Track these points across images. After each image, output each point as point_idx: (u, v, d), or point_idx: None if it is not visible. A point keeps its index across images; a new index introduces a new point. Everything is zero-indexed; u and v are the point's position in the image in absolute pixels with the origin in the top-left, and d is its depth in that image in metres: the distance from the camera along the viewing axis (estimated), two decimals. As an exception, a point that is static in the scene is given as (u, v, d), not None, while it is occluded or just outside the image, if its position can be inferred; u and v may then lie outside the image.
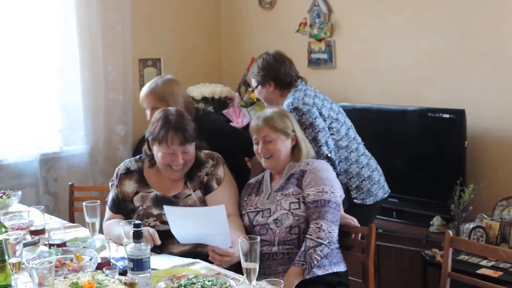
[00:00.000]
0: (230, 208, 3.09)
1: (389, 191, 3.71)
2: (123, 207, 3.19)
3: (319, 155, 3.35)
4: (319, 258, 2.82)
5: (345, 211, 3.16)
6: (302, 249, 2.84)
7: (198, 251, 2.96)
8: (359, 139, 3.64)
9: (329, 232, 2.86)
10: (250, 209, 3.11)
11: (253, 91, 3.71)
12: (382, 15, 4.79)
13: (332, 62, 5.12)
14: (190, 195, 3.13)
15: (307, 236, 2.86)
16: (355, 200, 3.53)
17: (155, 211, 3.10)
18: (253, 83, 3.64)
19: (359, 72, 4.98)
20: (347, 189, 3.50)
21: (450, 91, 4.42)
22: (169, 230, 2.95)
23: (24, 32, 4.75)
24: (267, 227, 2.99)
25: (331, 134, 3.48)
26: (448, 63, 4.43)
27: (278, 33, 5.44)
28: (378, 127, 4.48)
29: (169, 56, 5.63)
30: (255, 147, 3.14)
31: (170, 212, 2.91)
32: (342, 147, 3.53)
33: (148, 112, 3.56)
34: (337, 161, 3.47)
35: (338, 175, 3.46)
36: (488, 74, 4.24)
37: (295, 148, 3.15)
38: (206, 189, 3.14)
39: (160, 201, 3.10)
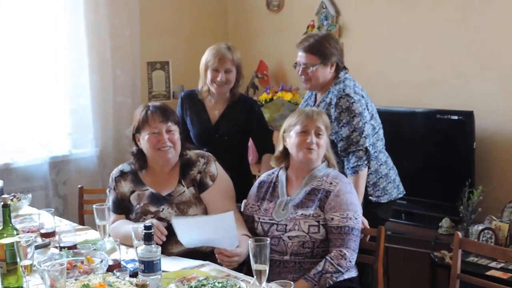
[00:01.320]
0: (227, 204, 3.12)
1: (404, 192, 3.71)
2: (123, 207, 3.22)
3: (358, 145, 3.34)
4: (331, 283, 2.83)
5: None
6: (320, 269, 2.83)
7: (196, 249, 2.95)
8: (383, 138, 3.64)
9: (350, 261, 2.87)
10: (264, 219, 3.07)
11: (307, 66, 3.46)
12: (390, 17, 4.79)
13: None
14: (184, 192, 3.15)
15: (328, 259, 2.85)
16: (370, 197, 3.50)
17: (153, 208, 3.13)
18: (311, 59, 3.45)
19: (367, 74, 4.96)
20: (357, 200, 3.49)
21: (458, 93, 4.42)
22: (166, 228, 2.95)
23: (33, 36, 4.78)
24: (280, 239, 2.98)
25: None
26: (457, 64, 4.43)
27: (286, 35, 5.44)
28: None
29: (178, 59, 5.65)
30: (299, 138, 3.03)
31: (178, 224, 2.90)
32: (371, 144, 3.52)
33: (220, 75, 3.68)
34: None
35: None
36: (497, 76, 4.24)
37: (325, 156, 3.12)
38: (201, 186, 3.16)
39: (156, 198, 3.14)
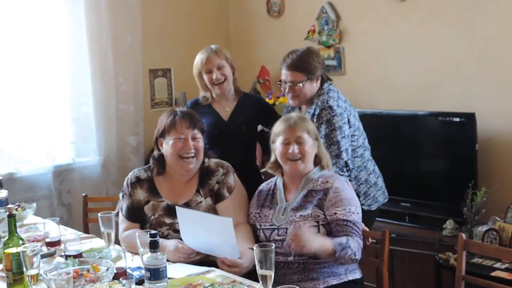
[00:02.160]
0: (240, 216, 3.12)
1: (388, 196, 3.73)
2: (138, 216, 3.20)
3: (338, 158, 3.37)
4: (347, 258, 2.79)
5: None
6: (344, 241, 2.78)
7: (210, 260, 2.95)
8: (369, 147, 3.66)
9: (357, 252, 2.85)
10: (265, 225, 3.07)
11: (294, 84, 3.47)
12: (391, 20, 4.80)
13: (342, 68, 5.14)
14: (201, 202, 3.14)
15: (350, 239, 2.82)
16: (363, 207, 3.53)
17: (168, 220, 3.11)
18: (297, 76, 3.46)
19: (368, 78, 4.99)
20: (356, 196, 3.51)
21: (460, 95, 4.42)
22: (179, 236, 2.98)
23: (35, 45, 4.79)
24: (283, 242, 2.98)
25: (352, 142, 3.49)
26: (458, 67, 4.44)
27: (287, 41, 5.45)
28: (389, 132, 4.49)
29: (180, 66, 5.65)
30: (282, 149, 3.05)
31: (181, 214, 2.93)
32: (358, 155, 3.55)
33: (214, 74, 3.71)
34: (351, 169, 3.49)
35: (349, 181, 3.48)
36: (498, 78, 4.25)
37: (318, 156, 3.11)
38: (217, 197, 3.16)
39: (171, 210, 3.10)
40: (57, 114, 4.97)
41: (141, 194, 3.20)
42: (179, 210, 2.94)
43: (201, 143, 3.16)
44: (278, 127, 3.12)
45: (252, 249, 2.90)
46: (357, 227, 2.91)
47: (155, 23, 5.53)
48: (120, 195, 3.32)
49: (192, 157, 3.12)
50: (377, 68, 4.94)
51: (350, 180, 3.47)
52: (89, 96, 5.06)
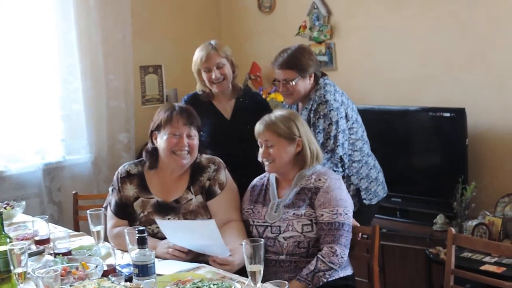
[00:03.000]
0: (232, 213, 3.11)
1: (387, 190, 3.74)
2: (126, 213, 3.17)
3: (334, 153, 3.36)
4: (325, 280, 2.84)
5: (354, 212, 3.13)
6: (312, 268, 2.84)
7: (200, 260, 2.92)
8: (368, 141, 3.66)
9: (342, 257, 2.87)
10: (258, 222, 3.07)
11: (287, 82, 3.48)
12: (381, 16, 4.81)
13: (333, 64, 5.14)
14: (191, 199, 3.12)
15: (320, 257, 2.85)
16: (364, 201, 3.55)
17: (158, 218, 3.07)
18: (289, 74, 3.47)
19: (359, 73, 4.99)
20: (357, 190, 3.53)
21: (450, 90, 4.43)
22: None
23: (24, 43, 4.78)
24: (275, 240, 2.98)
25: (350, 135, 3.50)
26: (448, 62, 4.44)
27: (278, 36, 5.45)
28: (380, 128, 4.48)
29: (170, 62, 5.65)
30: (260, 150, 3.10)
31: (164, 226, 2.92)
32: (357, 149, 3.55)
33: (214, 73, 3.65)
34: (349, 162, 3.50)
35: (350, 176, 3.48)
36: (488, 73, 4.25)
37: (301, 154, 3.06)
38: (208, 194, 3.13)
39: (161, 207, 3.09)
40: (47, 112, 4.95)
41: (130, 190, 3.17)
42: (161, 223, 2.93)
43: (196, 141, 3.12)
44: (255, 129, 3.12)
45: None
46: (344, 229, 2.91)
47: (146, 20, 5.51)
48: (110, 189, 3.29)
49: (187, 152, 3.09)
50: (368, 64, 4.94)
51: (351, 175, 3.49)
52: (79, 93, 5.04)
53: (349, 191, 3.39)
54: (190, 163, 3.15)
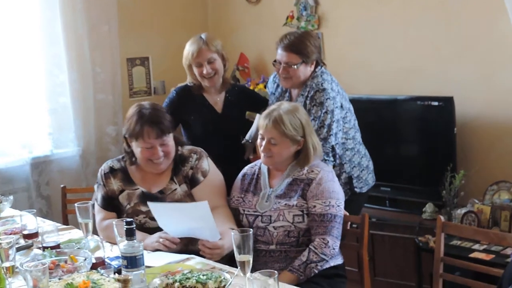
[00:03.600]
0: (217, 199, 3.11)
1: (375, 179, 3.75)
2: (113, 206, 3.18)
3: (326, 141, 3.35)
4: (316, 271, 2.84)
5: (345, 201, 3.13)
6: (304, 259, 2.84)
7: (189, 249, 2.95)
8: (359, 129, 3.66)
9: (333, 249, 2.88)
10: (249, 211, 3.07)
11: (289, 65, 3.42)
12: (369, 5, 4.80)
13: (320, 53, 5.11)
14: (175, 189, 3.12)
15: (312, 248, 2.86)
16: (355, 189, 3.55)
17: (144, 208, 3.08)
18: (293, 58, 3.42)
19: (347, 63, 4.98)
20: (349, 178, 3.53)
21: (438, 79, 4.44)
22: (158, 227, 2.97)
23: (9, 35, 4.73)
24: (265, 230, 2.98)
25: (344, 123, 3.49)
26: (436, 51, 4.45)
27: (265, 27, 5.43)
28: (369, 117, 4.47)
29: (158, 54, 5.62)
30: (259, 140, 3.07)
31: (155, 208, 2.92)
32: (350, 137, 3.54)
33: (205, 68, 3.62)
34: (343, 151, 3.49)
35: (343, 164, 3.48)
36: (476, 61, 4.27)
37: (301, 153, 3.05)
38: (192, 182, 3.13)
39: (147, 198, 3.09)
40: (34, 105, 4.91)
41: (115, 184, 3.18)
42: (152, 205, 2.93)
43: (170, 144, 3.10)
44: (260, 121, 3.10)
45: (233, 229, 2.92)
46: (336, 221, 2.91)
47: (132, 11, 5.47)
48: (95, 186, 3.30)
49: (162, 159, 3.08)
50: (356, 53, 4.94)
51: (344, 163, 3.49)
52: (66, 87, 5.00)
53: (341, 180, 3.41)
54: (170, 162, 3.14)
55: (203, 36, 3.65)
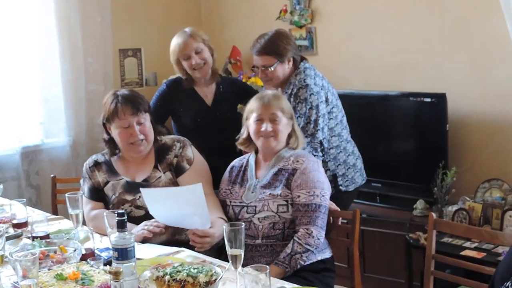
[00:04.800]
0: (204, 187, 3.06)
1: (366, 177, 3.74)
2: (100, 196, 3.20)
3: (314, 137, 3.36)
4: (303, 263, 2.83)
5: (330, 198, 3.12)
6: (288, 251, 2.83)
7: (176, 239, 2.97)
8: (347, 126, 3.65)
9: (318, 239, 2.86)
10: (235, 202, 3.07)
11: (265, 68, 3.46)
12: (363, 1, 4.79)
13: (313, 48, 5.12)
14: (160, 177, 3.14)
15: (296, 239, 2.84)
16: (340, 187, 3.54)
17: (129, 197, 3.10)
18: (268, 60, 3.46)
19: (340, 58, 4.97)
20: (334, 176, 3.52)
21: (431, 75, 4.44)
22: (143, 217, 2.98)
23: (2, 25, 4.70)
24: (250, 223, 2.97)
25: (329, 119, 3.49)
26: (429, 47, 4.45)
27: (258, 21, 5.42)
28: (361, 113, 4.48)
29: (150, 45, 5.60)
30: (255, 127, 3.04)
31: (147, 194, 2.91)
32: (335, 134, 3.54)
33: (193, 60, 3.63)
34: (327, 149, 3.48)
35: (326, 162, 3.47)
36: (469, 58, 4.27)
37: (291, 136, 3.08)
38: (178, 170, 3.15)
39: (131, 187, 3.11)
40: (25, 95, 4.89)
41: (99, 176, 3.21)
42: (144, 191, 2.92)
43: (147, 124, 3.13)
44: (252, 104, 3.10)
45: (223, 218, 2.92)
46: (320, 211, 2.90)
47: (125, 2, 5.45)
48: (81, 181, 3.33)
49: (142, 140, 3.11)
50: (349, 48, 4.93)
51: (328, 161, 3.49)
52: (58, 77, 4.98)
53: None
54: (150, 147, 3.18)
55: (187, 30, 3.69)
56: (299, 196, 2.91)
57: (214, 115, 3.70)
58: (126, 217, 2.36)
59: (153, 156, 3.19)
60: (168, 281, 2.25)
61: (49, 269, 2.37)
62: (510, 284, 1.94)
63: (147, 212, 2.96)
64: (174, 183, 3.13)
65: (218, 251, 2.97)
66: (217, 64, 3.83)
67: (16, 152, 4.81)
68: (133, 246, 2.34)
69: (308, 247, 2.83)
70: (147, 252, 2.74)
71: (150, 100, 3.65)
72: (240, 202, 3.04)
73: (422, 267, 2.99)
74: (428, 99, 4.22)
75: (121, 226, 2.34)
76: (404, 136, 4.47)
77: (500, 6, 3.87)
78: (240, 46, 5.54)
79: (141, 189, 2.93)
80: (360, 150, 3.73)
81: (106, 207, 3.16)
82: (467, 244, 3.68)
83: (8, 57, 4.77)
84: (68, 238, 2.81)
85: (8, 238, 2.78)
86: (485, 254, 3.54)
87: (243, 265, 2.27)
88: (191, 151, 3.20)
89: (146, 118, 3.13)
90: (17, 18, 4.77)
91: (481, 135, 4.23)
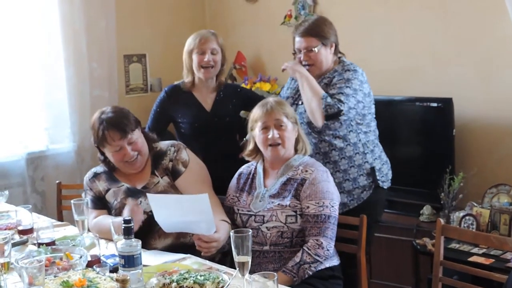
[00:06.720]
0: (202, 188, 3.09)
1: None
2: (103, 204, 3.21)
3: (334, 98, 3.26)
4: (310, 273, 2.81)
5: (370, 199, 3.12)
6: (297, 260, 2.81)
7: (181, 243, 2.97)
8: (377, 130, 3.63)
9: (327, 250, 2.85)
10: (243, 210, 3.05)
11: (309, 50, 3.39)
12: (367, 5, 4.78)
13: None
14: (158, 182, 3.15)
15: (305, 249, 2.82)
16: (378, 182, 3.47)
17: (131, 202, 3.09)
18: (312, 42, 3.40)
19: (345, 63, 4.95)
20: (372, 169, 3.45)
21: (437, 80, 4.42)
22: (147, 220, 2.97)
23: (7, 30, 4.71)
24: (258, 230, 2.95)
25: (368, 113, 3.47)
26: (434, 51, 4.43)
27: (263, 26, 5.42)
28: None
29: (155, 51, 5.61)
30: (262, 136, 3.01)
31: (153, 200, 2.89)
32: (372, 130, 3.52)
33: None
34: (365, 140, 3.44)
35: (365, 153, 3.43)
36: (475, 62, 4.25)
37: (299, 141, 3.08)
38: (174, 174, 3.16)
39: (132, 192, 3.12)
40: (30, 100, 4.90)
41: (100, 185, 3.23)
42: (151, 197, 2.91)
43: (139, 141, 3.13)
44: (255, 113, 3.08)
45: (225, 221, 2.93)
46: (330, 222, 2.88)
47: (130, 8, 5.46)
48: (83, 194, 3.33)
49: (136, 156, 3.12)
50: (354, 53, 4.86)
51: (366, 153, 3.43)
52: (62, 82, 4.99)
53: (363, 171, 3.40)
54: (145, 160, 3.18)
55: (211, 31, 3.74)
56: (308, 207, 2.89)
57: (213, 120, 3.68)
58: (132, 224, 2.35)
59: (149, 164, 3.21)
60: (175, 288, 2.25)
61: (55, 276, 2.35)
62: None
63: (150, 217, 2.96)
64: (172, 186, 3.14)
65: (223, 254, 2.96)
66: (223, 74, 3.82)
67: (21, 158, 4.82)
68: (140, 253, 2.33)
69: (317, 257, 2.82)
70: (153, 259, 2.74)
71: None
72: (248, 211, 3.03)
73: (429, 273, 2.98)
74: (435, 104, 4.20)
75: (127, 233, 2.33)
76: (411, 141, 4.44)
77: (506, 9, 3.85)
78: (245, 51, 5.53)
79: (148, 195, 2.92)
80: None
81: (109, 213, 3.17)
82: (475, 250, 3.65)
83: (13, 62, 4.77)
84: (73, 245, 2.80)
85: (13, 245, 2.76)
86: (493, 260, 3.51)
87: (251, 272, 2.26)
88: (186, 154, 3.20)
89: (136, 135, 3.12)
90: (21, 23, 4.77)
91: (488, 139, 4.21)
